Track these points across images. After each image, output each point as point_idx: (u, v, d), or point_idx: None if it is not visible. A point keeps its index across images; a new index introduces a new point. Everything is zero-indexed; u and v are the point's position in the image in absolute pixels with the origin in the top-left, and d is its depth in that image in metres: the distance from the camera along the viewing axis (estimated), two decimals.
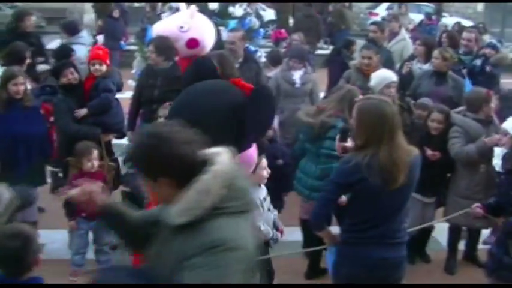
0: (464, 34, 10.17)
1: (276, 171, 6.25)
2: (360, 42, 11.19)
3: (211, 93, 4.74)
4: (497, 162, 5.35)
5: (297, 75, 8.31)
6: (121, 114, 7.78)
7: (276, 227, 5.47)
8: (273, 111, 4.95)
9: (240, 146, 4.45)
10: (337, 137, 4.91)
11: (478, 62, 9.82)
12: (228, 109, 4.56)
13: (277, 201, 6.22)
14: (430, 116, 6.43)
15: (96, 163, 6.44)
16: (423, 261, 6.98)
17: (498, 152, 5.38)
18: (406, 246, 4.52)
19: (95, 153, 6.44)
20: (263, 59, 10.76)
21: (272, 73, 8.71)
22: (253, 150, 4.73)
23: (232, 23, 10.88)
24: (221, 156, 2.91)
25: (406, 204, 4.42)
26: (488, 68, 9.64)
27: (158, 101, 7.35)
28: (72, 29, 10.89)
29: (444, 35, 11.40)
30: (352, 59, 9.56)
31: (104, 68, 7.52)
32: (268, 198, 5.47)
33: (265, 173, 5.28)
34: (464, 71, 9.26)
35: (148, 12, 19.32)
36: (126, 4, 20.90)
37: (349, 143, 4.81)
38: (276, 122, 7.31)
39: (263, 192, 5.43)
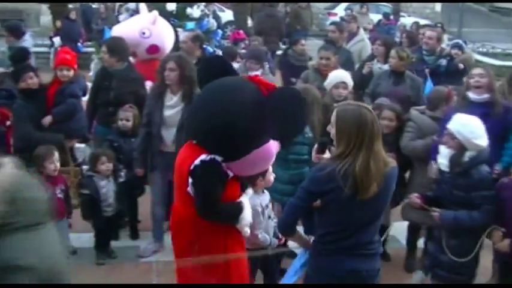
0: (427, 32, 10.19)
1: None
2: (318, 43, 11.23)
3: (228, 91, 4.61)
4: (442, 161, 5.35)
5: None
6: (85, 119, 7.69)
7: (276, 235, 5.40)
8: (300, 111, 4.63)
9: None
10: (315, 147, 4.69)
11: (444, 61, 9.89)
12: (244, 106, 4.46)
13: None
14: (381, 114, 6.44)
15: (58, 165, 6.35)
16: (383, 260, 6.98)
17: (444, 153, 5.34)
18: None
19: (57, 155, 6.34)
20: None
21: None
22: (273, 146, 4.56)
23: (190, 25, 10.81)
24: (1, 168, 2.72)
25: (380, 216, 4.27)
26: (461, 66, 9.75)
27: (114, 103, 7.30)
28: (17, 31, 10.75)
29: (404, 35, 11.51)
30: (299, 59, 9.67)
31: (71, 73, 7.44)
32: (270, 205, 5.43)
33: (272, 178, 5.18)
34: (427, 70, 9.33)
35: (103, 13, 19.20)
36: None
37: (327, 155, 4.68)
38: None
39: (266, 198, 5.36)
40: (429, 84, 8.80)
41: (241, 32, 15.59)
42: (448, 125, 5.29)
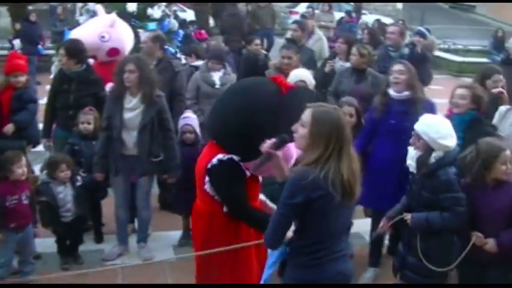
0: (389, 28, 10.30)
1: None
2: (281, 41, 11.23)
3: (247, 92, 4.73)
4: (410, 163, 5.29)
5: (216, 76, 8.30)
6: (38, 124, 7.63)
7: None
8: None
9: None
10: (272, 141, 4.30)
11: (406, 50, 10.01)
12: (262, 106, 4.55)
13: None
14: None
15: (25, 170, 6.25)
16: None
17: (412, 154, 5.30)
18: None
19: (24, 159, 6.26)
20: (183, 61, 10.68)
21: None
22: (291, 146, 4.46)
23: (151, 25, 10.76)
24: None
25: (351, 217, 4.31)
26: (419, 50, 9.87)
27: (74, 106, 7.23)
28: None
29: (365, 32, 11.57)
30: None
31: (24, 78, 7.36)
32: None
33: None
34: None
35: (60, 15, 19.02)
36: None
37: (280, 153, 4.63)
38: (196, 124, 7.23)
39: None
40: None
41: (203, 32, 15.58)
42: (415, 126, 5.23)
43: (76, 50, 7.42)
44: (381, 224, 5.59)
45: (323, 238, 4.04)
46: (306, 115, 4.01)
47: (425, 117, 5.28)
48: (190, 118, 7.28)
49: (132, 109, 6.54)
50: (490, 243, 5.15)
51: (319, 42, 11.16)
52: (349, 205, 4.04)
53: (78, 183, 6.74)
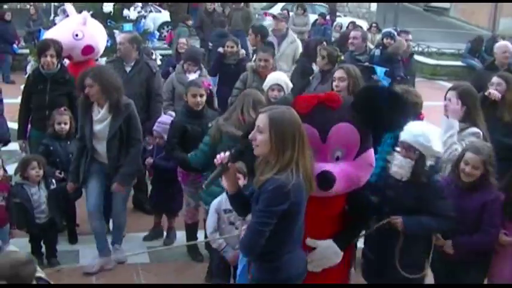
0: (352, 33, 10.44)
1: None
2: None
3: None
4: (397, 171, 5.04)
5: (192, 77, 8.24)
6: (5, 123, 7.62)
7: None
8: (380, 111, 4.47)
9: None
10: (227, 154, 4.22)
11: (377, 51, 10.17)
12: None
13: None
14: None
15: (1, 172, 6.27)
16: None
17: (401, 162, 5.04)
18: None
19: (0, 161, 6.28)
20: (159, 62, 10.72)
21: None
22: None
23: (127, 26, 10.78)
24: None
25: None
26: (398, 57, 10.15)
27: (49, 106, 7.22)
28: None
29: (337, 34, 11.71)
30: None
31: None
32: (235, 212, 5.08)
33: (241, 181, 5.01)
34: (366, 63, 9.67)
35: (33, 15, 18.94)
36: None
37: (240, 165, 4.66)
38: (164, 129, 7.22)
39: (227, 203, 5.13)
40: (380, 70, 9.38)
41: None
42: (403, 137, 5.01)
43: (60, 51, 7.44)
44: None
45: (294, 237, 4.17)
46: (262, 120, 4.00)
47: (412, 127, 5.04)
48: (159, 123, 7.28)
49: (101, 120, 6.49)
50: (447, 245, 5.26)
51: (293, 44, 11.12)
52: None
53: (53, 187, 6.71)
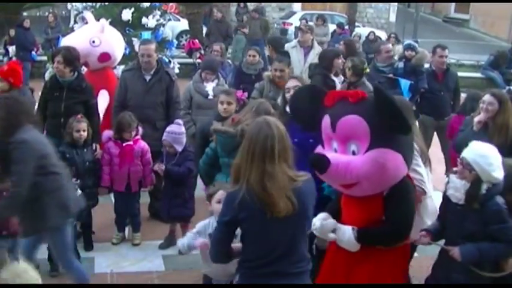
0: (382, 46, 10.41)
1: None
2: None
3: None
4: (454, 193, 4.90)
5: (209, 86, 8.31)
6: None
7: None
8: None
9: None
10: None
11: (400, 64, 10.16)
12: None
13: None
14: None
15: None
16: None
17: (457, 184, 4.92)
18: None
19: None
20: (176, 70, 10.74)
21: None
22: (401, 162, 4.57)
23: (146, 34, 10.81)
24: None
25: (303, 233, 4.19)
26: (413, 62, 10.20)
27: (65, 114, 7.24)
28: None
29: (341, 43, 11.65)
30: (249, 68, 9.98)
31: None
32: None
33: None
34: (390, 75, 9.80)
35: (51, 22, 19.10)
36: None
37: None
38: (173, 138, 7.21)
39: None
40: (404, 82, 9.45)
41: (196, 41, 15.63)
42: (464, 154, 4.88)
43: (72, 58, 7.44)
44: (421, 234, 5.15)
45: (257, 256, 4.07)
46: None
47: (477, 147, 4.91)
48: (168, 133, 7.18)
49: None
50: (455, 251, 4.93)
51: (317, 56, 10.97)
52: (282, 221, 3.94)
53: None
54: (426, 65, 10.56)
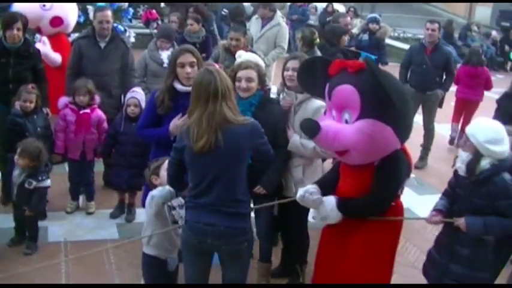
0: (341, 19, 10.44)
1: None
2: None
3: None
4: (460, 166, 4.93)
5: (164, 55, 8.27)
6: None
7: None
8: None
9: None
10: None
11: (365, 36, 10.23)
12: None
13: None
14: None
15: None
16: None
17: (463, 157, 4.94)
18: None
19: None
20: (132, 39, 10.62)
21: None
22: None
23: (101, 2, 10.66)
24: None
25: (233, 172, 4.43)
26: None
27: (14, 80, 7.16)
28: None
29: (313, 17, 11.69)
30: (191, 36, 9.98)
31: None
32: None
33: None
34: (352, 48, 9.73)
35: None
36: None
37: None
38: (142, 99, 7.21)
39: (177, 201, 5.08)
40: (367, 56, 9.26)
41: (153, 11, 15.45)
42: (467, 128, 4.96)
43: (27, 25, 7.35)
44: (432, 214, 5.15)
45: (193, 184, 4.49)
46: None
47: (478, 120, 5.01)
48: (137, 92, 7.24)
49: None
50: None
51: (275, 28, 10.86)
52: (211, 157, 4.33)
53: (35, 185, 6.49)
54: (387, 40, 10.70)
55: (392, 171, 4.66)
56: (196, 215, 4.46)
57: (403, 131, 4.65)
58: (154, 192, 4.91)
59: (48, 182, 6.52)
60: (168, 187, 4.83)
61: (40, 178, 6.40)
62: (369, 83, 4.48)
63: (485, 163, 4.76)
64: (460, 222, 4.81)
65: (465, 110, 11.59)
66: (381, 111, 4.44)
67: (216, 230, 4.40)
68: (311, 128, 4.62)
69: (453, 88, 11.02)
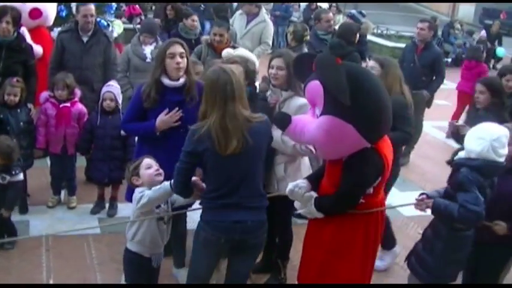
0: (323, 15, 10.36)
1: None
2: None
3: None
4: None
5: (148, 49, 8.28)
6: None
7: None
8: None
9: None
10: None
11: None
12: None
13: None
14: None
15: None
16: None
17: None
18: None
19: None
20: (115, 34, 10.61)
21: None
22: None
23: None
24: None
25: (257, 170, 4.56)
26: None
27: (3, 74, 7.16)
28: None
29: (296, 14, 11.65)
30: (188, 33, 9.87)
31: None
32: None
33: (153, 171, 4.91)
34: None
35: None
36: None
37: None
38: (118, 93, 7.22)
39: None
40: None
41: (136, 6, 15.41)
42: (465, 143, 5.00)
43: (19, 18, 7.39)
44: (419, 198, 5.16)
45: (215, 187, 4.50)
46: None
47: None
48: (113, 86, 7.23)
49: None
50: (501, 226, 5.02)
51: (261, 24, 10.73)
52: (236, 158, 4.37)
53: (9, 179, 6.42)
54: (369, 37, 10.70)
55: (356, 168, 4.54)
56: (220, 214, 4.49)
57: (367, 129, 4.44)
58: (151, 194, 4.72)
59: (21, 176, 6.48)
60: (162, 188, 4.71)
61: (14, 172, 6.35)
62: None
63: (462, 153, 4.93)
64: (430, 200, 4.93)
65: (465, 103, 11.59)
66: (340, 107, 4.33)
67: (245, 226, 4.52)
68: (281, 120, 4.72)
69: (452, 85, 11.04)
